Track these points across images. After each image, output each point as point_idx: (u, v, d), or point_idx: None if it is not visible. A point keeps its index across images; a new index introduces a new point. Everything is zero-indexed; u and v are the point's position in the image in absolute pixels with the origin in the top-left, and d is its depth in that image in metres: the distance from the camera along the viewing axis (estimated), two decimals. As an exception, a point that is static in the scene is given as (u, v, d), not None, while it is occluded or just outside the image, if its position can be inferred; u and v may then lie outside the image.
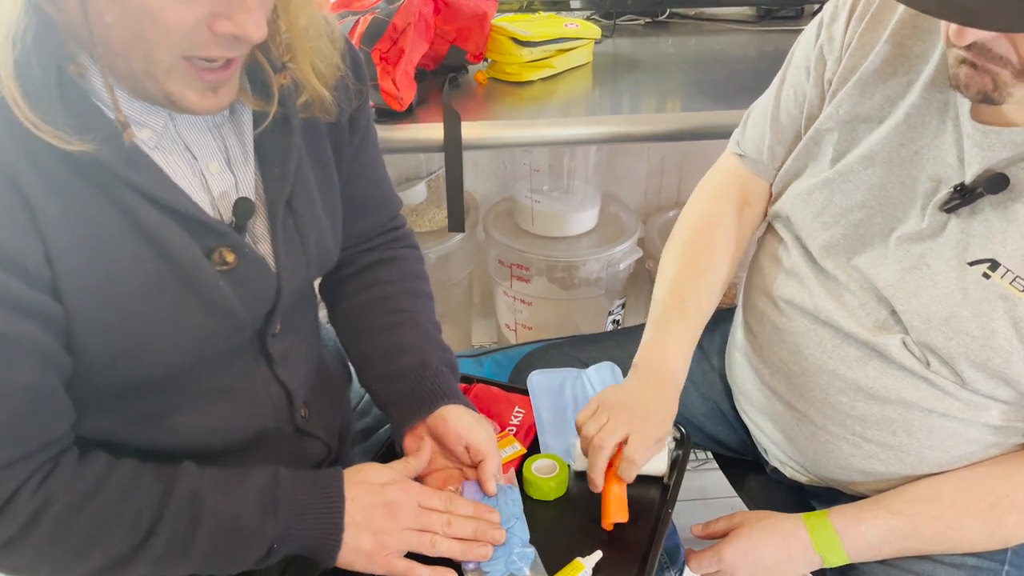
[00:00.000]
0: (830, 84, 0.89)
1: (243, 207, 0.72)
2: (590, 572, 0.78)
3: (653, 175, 1.85)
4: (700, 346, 1.11)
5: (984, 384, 0.78)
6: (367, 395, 1.07)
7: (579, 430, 0.87)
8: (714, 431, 1.12)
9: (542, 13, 1.42)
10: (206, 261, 0.68)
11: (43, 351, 0.62)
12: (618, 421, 0.84)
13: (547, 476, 0.88)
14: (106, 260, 0.63)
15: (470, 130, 1.15)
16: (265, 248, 0.76)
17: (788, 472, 1.01)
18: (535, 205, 1.58)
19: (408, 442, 0.86)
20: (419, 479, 0.83)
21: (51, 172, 0.60)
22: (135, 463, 0.70)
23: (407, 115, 1.16)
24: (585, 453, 0.85)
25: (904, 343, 0.82)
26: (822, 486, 0.99)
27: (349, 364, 1.01)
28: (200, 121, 0.71)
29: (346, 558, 0.73)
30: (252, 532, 0.70)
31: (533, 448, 0.94)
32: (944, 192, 0.78)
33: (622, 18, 1.65)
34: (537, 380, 1.02)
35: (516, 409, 0.98)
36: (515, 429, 0.94)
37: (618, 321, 1.73)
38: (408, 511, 0.75)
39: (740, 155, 1.02)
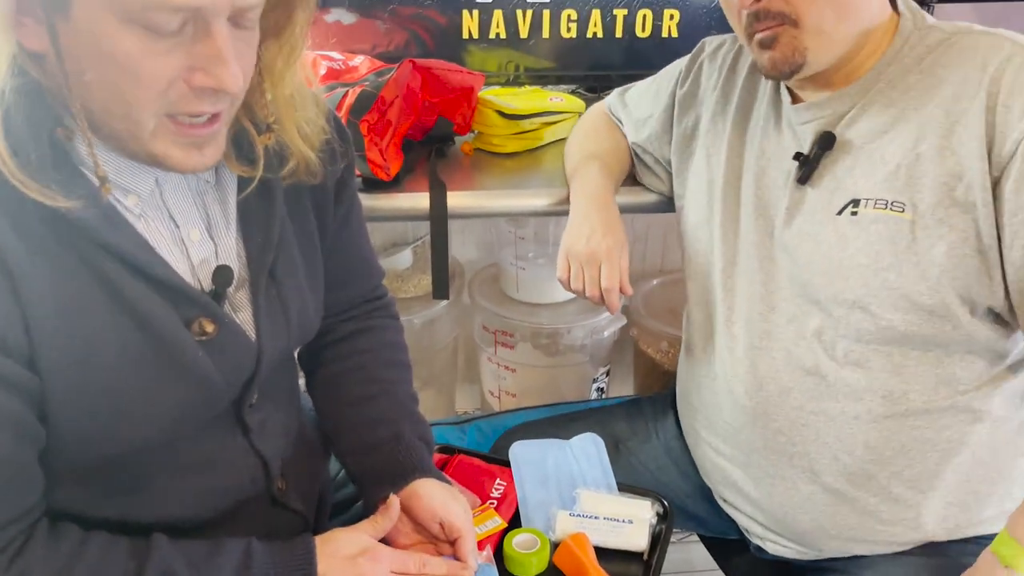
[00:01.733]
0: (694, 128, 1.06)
1: (223, 275, 0.72)
2: None
3: (637, 243, 1.87)
4: (678, 424, 1.11)
5: (893, 337, 0.84)
6: (347, 466, 1.06)
7: (567, 286, 1.01)
8: (696, 510, 1.11)
9: (528, 87, 1.46)
10: (185, 331, 0.68)
11: (19, 422, 0.61)
12: (595, 264, 0.99)
13: (528, 551, 0.86)
14: (85, 329, 0.63)
15: (456, 199, 1.16)
16: (246, 317, 0.75)
17: (770, 548, 1.00)
18: (520, 272, 1.59)
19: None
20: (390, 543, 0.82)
21: (33, 239, 0.60)
22: (107, 538, 0.68)
23: (394, 185, 1.17)
24: (598, 294, 0.99)
25: (833, 352, 0.88)
26: (807, 559, 0.98)
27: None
28: (184, 188, 0.71)
29: None
30: None
31: (514, 521, 0.92)
32: (792, 169, 0.90)
33: (606, 92, 1.69)
34: (520, 451, 1.01)
35: (497, 481, 0.97)
36: (496, 502, 0.93)
37: (603, 389, 1.72)
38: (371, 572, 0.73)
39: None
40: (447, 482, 0.85)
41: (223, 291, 0.72)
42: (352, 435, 0.88)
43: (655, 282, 1.79)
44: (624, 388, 1.86)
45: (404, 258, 1.64)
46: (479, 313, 1.66)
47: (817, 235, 0.87)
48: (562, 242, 1.03)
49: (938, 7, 1.50)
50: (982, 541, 0.87)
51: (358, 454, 0.87)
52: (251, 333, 0.75)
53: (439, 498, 0.82)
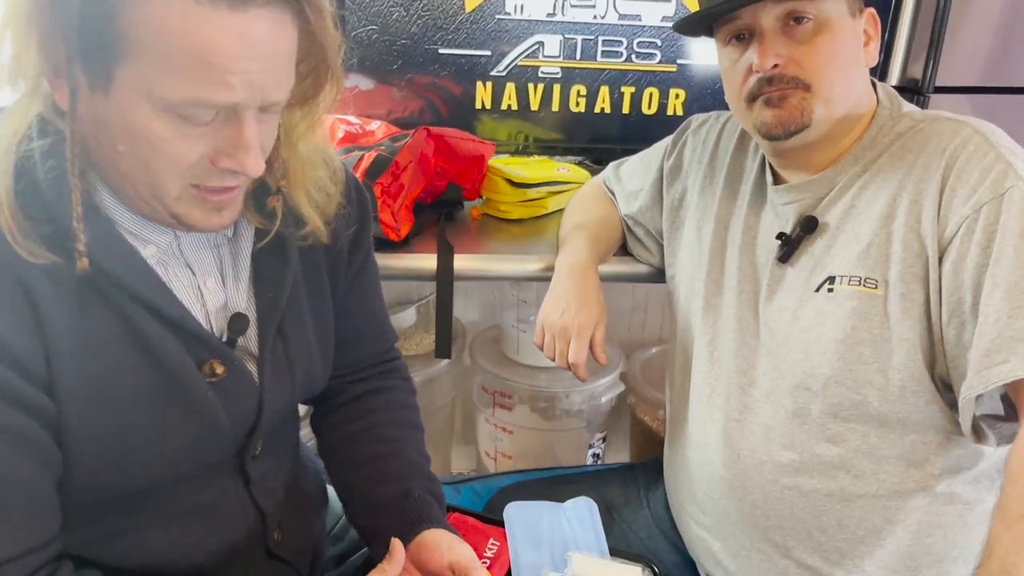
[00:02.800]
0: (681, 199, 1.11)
1: (238, 323, 0.75)
2: None
3: (637, 311, 1.90)
4: (665, 496, 1.13)
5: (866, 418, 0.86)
6: (343, 519, 1.07)
7: (543, 350, 1.05)
8: None
9: (536, 157, 1.51)
10: (197, 372, 0.71)
11: (43, 448, 0.64)
12: (566, 338, 1.02)
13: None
14: (101, 365, 0.65)
15: (462, 262, 1.20)
16: (252, 370, 0.77)
17: None
18: (521, 334, 1.62)
19: None
20: None
21: (60, 276, 0.63)
22: None
23: (403, 245, 1.21)
24: (565, 365, 1.02)
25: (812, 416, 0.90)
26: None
27: (327, 486, 1.01)
28: (202, 239, 0.74)
29: None
30: None
31: (506, 583, 0.93)
32: (774, 247, 0.94)
33: (612, 163, 1.74)
34: (514, 512, 1.02)
35: (491, 541, 0.98)
36: (489, 562, 0.94)
37: (599, 455, 1.73)
38: None
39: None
40: (455, 533, 0.85)
41: (236, 337, 0.75)
42: (362, 494, 0.88)
43: (653, 351, 1.81)
44: (620, 455, 1.86)
45: (408, 316, 1.67)
46: (479, 374, 1.68)
47: (796, 311, 0.91)
48: (540, 310, 1.06)
49: (933, 97, 1.56)
50: None
51: (368, 512, 0.86)
52: (257, 383, 0.77)
53: (446, 541, 0.81)
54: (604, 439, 1.73)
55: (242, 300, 0.77)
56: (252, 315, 0.78)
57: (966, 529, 0.89)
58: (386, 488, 0.86)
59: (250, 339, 0.78)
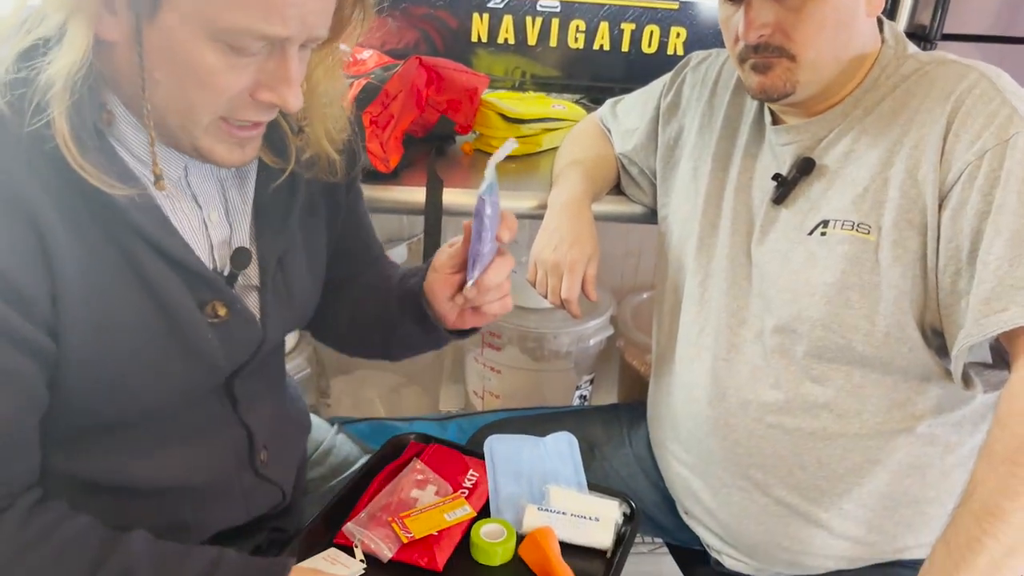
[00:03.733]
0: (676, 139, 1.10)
1: (241, 257, 0.75)
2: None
3: (630, 256, 1.89)
4: (647, 435, 1.14)
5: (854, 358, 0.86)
6: (323, 445, 1.08)
7: (535, 287, 1.04)
8: (663, 521, 1.13)
9: (531, 93, 1.48)
10: (199, 313, 0.71)
11: (32, 389, 0.64)
12: (558, 274, 1.01)
13: (494, 541, 0.88)
14: (107, 304, 0.65)
15: (452, 196, 1.18)
16: (252, 300, 0.78)
17: (727, 562, 1.02)
18: (512, 275, 1.60)
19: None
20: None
21: (70, 216, 0.63)
22: (85, 526, 0.68)
23: (392, 177, 1.19)
24: (557, 302, 1.02)
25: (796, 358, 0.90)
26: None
27: (309, 413, 1.02)
28: (208, 172, 0.74)
29: None
30: None
31: (484, 512, 0.94)
32: (770, 188, 0.93)
33: (610, 104, 1.71)
34: (494, 445, 1.02)
35: (470, 472, 0.98)
36: (467, 492, 0.94)
37: (585, 396, 1.74)
38: None
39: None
40: None
41: (238, 272, 0.75)
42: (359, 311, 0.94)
43: (645, 296, 1.81)
44: (607, 398, 1.87)
45: (399, 253, 1.66)
46: (469, 313, 1.67)
47: (787, 253, 0.90)
48: (533, 246, 1.05)
49: (941, 44, 1.53)
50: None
51: (406, 294, 0.90)
52: (257, 316, 0.78)
53: None
54: (591, 381, 1.74)
55: (245, 233, 0.77)
56: (254, 248, 0.78)
57: (945, 471, 0.89)
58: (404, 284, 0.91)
59: (251, 272, 0.78)
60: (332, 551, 0.88)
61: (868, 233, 0.84)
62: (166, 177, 0.69)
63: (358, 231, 0.95)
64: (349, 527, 0.88)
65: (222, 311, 0.72)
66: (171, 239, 0.68)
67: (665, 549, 1.23)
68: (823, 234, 0.87)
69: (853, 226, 0.85)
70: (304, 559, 0.86)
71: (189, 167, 0.72)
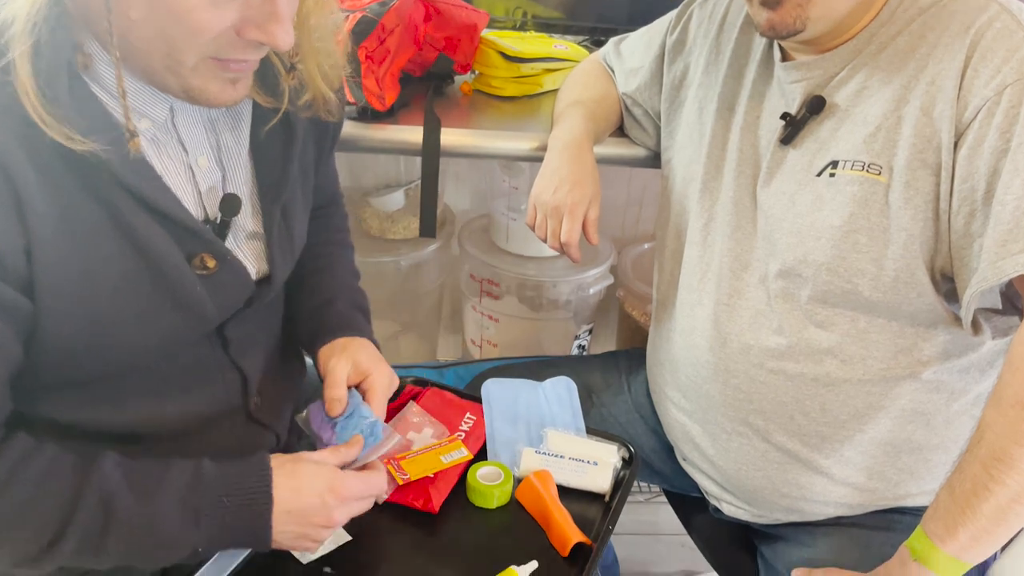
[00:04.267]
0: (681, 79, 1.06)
1: (230, 204, 0.72)
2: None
3: (632, 206, 1.86)
4: (646, 382, 1.12)
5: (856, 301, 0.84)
6: (318, 388, 1.06)
7: (534, 231, 1.01)
8: (662, 467, 1.12)
9: (533, 33, 1.44)
10: (187, 266, 0.68)
11: (2, 346, 0.61)
12: (558, 217, 0.98)
13: (491, 484, 0.87)
14: (86, 257, 0.62)
15: (450, 137, 1.15)
16: (257, 249, 0.76)
17: (726, 509, 1.02)
18: (511, 223, 1.58)
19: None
20: None
21: (45, 164, 0.59)
22: (54, 456, 0.66)
23: (388, 116, 1.16)
24: (557, 245, 0.99)
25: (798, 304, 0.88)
26: (761, 523, 0.99)
27: (305, 356, 1.00)
28: (196, 115, 0.71)
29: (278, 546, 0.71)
30: (171, 539, 0.67)
31: (481, 455, 0.93)
32: (778, 128, 0.89)
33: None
34: (492, 388, 1.01)
35: (467, 415, 0.97)
36: (464, 435, 0.93)
37: (584, 347, 1.72)
38: (337, 512, 0.72)
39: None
40: (376, 344, 0.89)
41: (229, 220, 0.72)
42: (294, 308, 0.92)
43: (646, 246, 1.78)
44: (606, 349, 1.86)
45: (396, 199, 1.63)
46: (467, 261, 1.65)
47: (793, 195, 0.87)
48: (532, 188, 1.02)
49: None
50: None
51: (301, 326, 0.91)
52: (256, 264, 0.75)
53: (335, 351, 0.84)
54: (590, 331, 1.72)
55: (241, 179, 0.74)
56: (253, 192, 0.75)
57: (949, 418, 0.88)
58: (313, 300, 0.90)
59: (255, 217, 0.75)
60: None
61: (879, 174, 0.81)
62: (151, 120, 0.66)
63: (327, 167, 0.94)
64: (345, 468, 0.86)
65: (211, 263, 0.69)
66: (155, 190, 0.65)
67: (662, 498, 1.23)
68: (832, 175, 0.85)
69: (864, 167, 0.82)
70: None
71: (176, 108, 0.68)
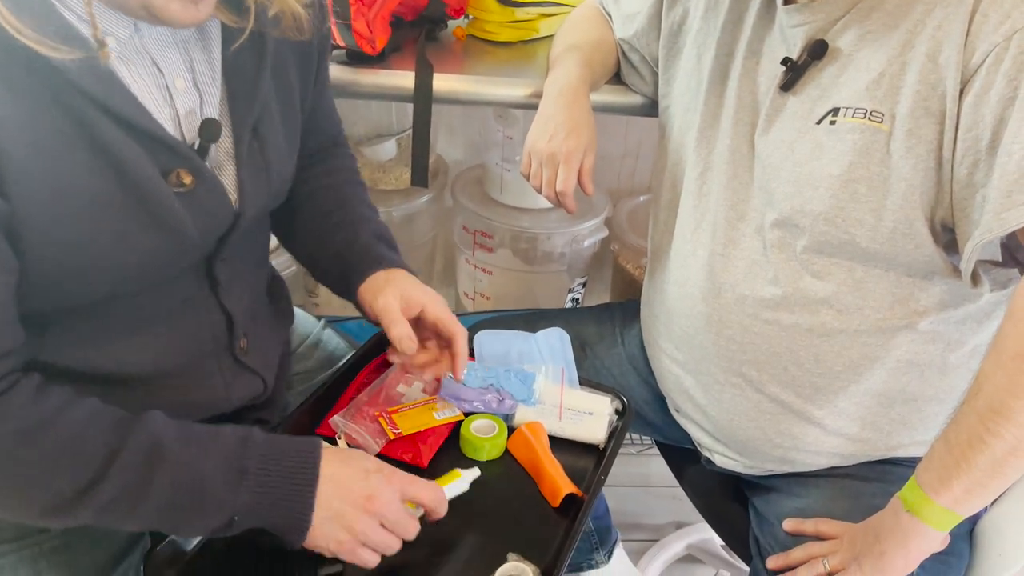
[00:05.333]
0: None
1: (209, 129, 0.69)
2: (467, 483, 0.79)
3: (628, 158, 1.83)
4: (640, 334, 1.11)
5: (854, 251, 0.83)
6: (309, 338, 1.05)
7: (528, 180, 0.99)
8: (654, 419, 1.12)
9: (529, -24, 1.39)
10: (162, 181, 0.66)
11: None
12: (553, 165, 0.96)
13: (486, 436, 0.86)
14: (57, 171, 0.60)
15: (443, 82, 1.12)
16: (229, 172, 0.73)
17: (718, 460, 1.02)
18: (505, 173, 1.56)
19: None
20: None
21: (9, 75, 0.57)
22: (97, 403, 0.65)
23: (378, 60, 1.13)
24: (552, 195, 0.97)
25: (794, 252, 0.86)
26: (753, 475, 0.99)
27: (292, 304, 0.99)
28: (166, 36, 0.68)
29: (314, 543, 0.69)
30: (212, 498, 0.65)
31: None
32: (778, 75, 0.87)
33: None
34: (484, 340, 1.00)
35: (460, 367, 0.96)
36: (456, 386, 0.92)
37: (577, 300, 1.71)
38: (387, 505, 0.70)
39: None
40: (411, 272, 0.88)
41: (208, 145, 0.70)
42: (319, 251, 0.90)
43: (641, 199, 1.76)
44: (599, 302, 1.85)
45: (388, 149, 1.60)
46: (460, 213, 1.63)
47: (792, 144, 0.85)
48: (527, 136, 1.00)
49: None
50: None
51: (328, 268, 0.89)
52: (232, 191, 0.73)
53: (375, 286, 0.84)
54: (584, 284, 1.71)
55: (215, 101, 0.72)
56: (226, 117, 0.72)
57: (945, 370, 0.87)
58: (336, 237, 0.88)
59: (224, 142, 0.73)
60: (317, 442, 0.87)
61: (881, 122, 0.79)
62: (116, 39, 0.63)
63: (319, 100, 0.89)
64: (335, 419, 0.86)
65: (187, 179, 0.67)
66: (125, 102, 0.62)
67: (653, 450, 1.23)
68: (832, 123, 0.82)
69: (865, 114, 0.80)
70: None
71: (141, 28, 0.65)
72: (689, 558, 1.60)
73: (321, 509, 0.67)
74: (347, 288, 0.87)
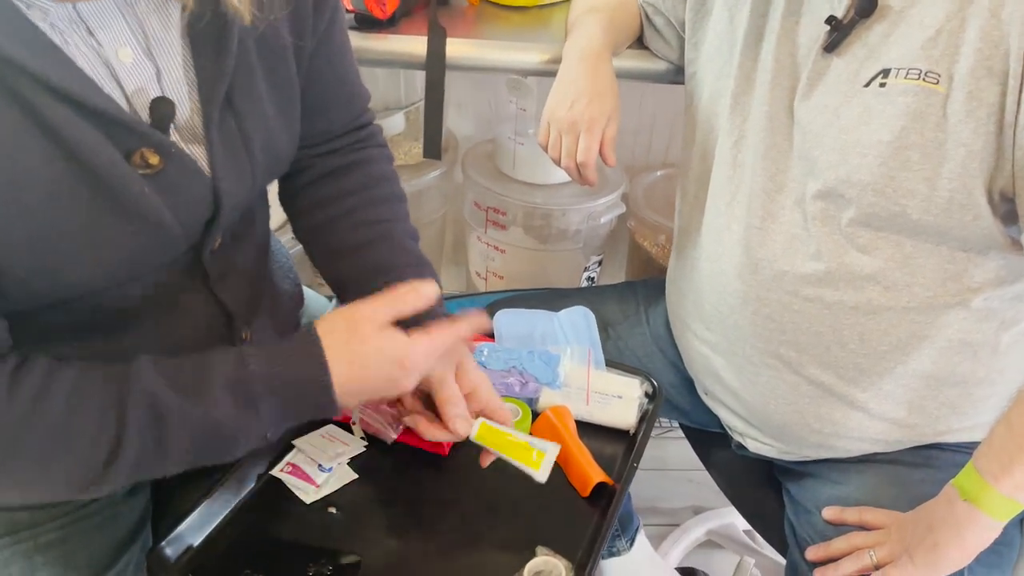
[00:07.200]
0: None
1: (161, 109, 0.60)
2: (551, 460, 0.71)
3: (643, 132, 1.77)
4: (666, 313, 1.06)
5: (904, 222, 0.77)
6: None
7: (547, 150, 0.94)
8: (680, 402, 1.07)
9: (545, -63, 1.33)
10: (125, 164, 0.57)
11: None
12: (574, 134, 0.91)
13: (507, 420, 0.81)
14: (10, 163, 0.53)
15: (456, 48, 1.06)
16: (199, 153, 0.64)
17: (751, 445, 0.96)
18: (518, 147, 1.49)
19: None
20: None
21: None
22: (78, 372, 0.59)
23: (389, 25, 1.07)
24: (573, 166, 0.93)
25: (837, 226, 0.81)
26: (788, 460, 0.94)
27: (302, 286, 0.93)
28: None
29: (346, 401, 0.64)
30: (235, 430, 0.61)
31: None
32: (821, 35, 0.80)
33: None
34: (504, 320, 0.95)
35: (479, 349, 0.91)
36: (476, 369, 0.87)
37: (593, 278, 1.66)
38: (408, 381, 0.65)
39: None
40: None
41: (164, 126, 0.61)
42: (353, 288, 0.79)
43: (659, 174, 1.70)
44: (615, 280, 1.80)
45: (396, 123, 1.54)
46: (471, 189, 1.57)
47: (837, 109, 0.79)
48: (546, 104, 0.94)
49: None
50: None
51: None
52: (207, 172, 0.65)
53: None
54: (600, 263, 1.65)
55: (177, 72, 0.62)
56: (193, 88, 0.63)
57: (997, 350, 0.82)
58: (376, 281, 0.76)
59: (193, 117, 0.64)
60: (330, 427, 0.82)
61: (937, 83, 0.73)
62: (40, 5, 0.54)
63: (333, 66, 0.78)
64: (349, 404, 0.81)
65: (153, 159, 0.59)
66: (65, 76, 0.53)
67: (671, 433, 1.19)
68: (882, 85, 0.76)
69: (920, 75, 0.74)
70: (299, 437, 0.80)
71: None
72: (710, 543, 1.55)
73: (345, 394, 0.63)
74: None
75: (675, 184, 1.57)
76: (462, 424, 0.70)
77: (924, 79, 0.74)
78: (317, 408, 0.64)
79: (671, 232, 1.56)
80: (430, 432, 0.72)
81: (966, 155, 0.72)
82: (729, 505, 1.13)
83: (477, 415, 0.72)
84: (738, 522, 1.52)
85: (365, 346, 0.64)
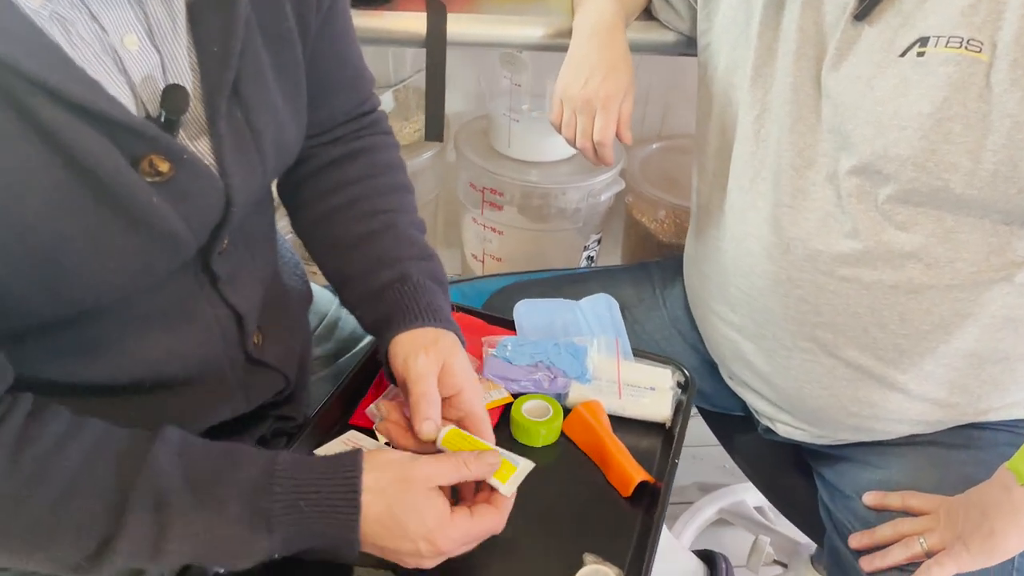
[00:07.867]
0: None
1: (174, 98, 0.55)
2: (524, 474, 0.65)
3: (638, 103, 1.71)
4: (683, 294, 1.02)
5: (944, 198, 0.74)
6: (327, 317, 0.94)
7: (559, 131, 0.91)
8: (703, 386, 1.03)
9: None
10: (132, 172, 0.52)
11: None
12: (589, 112, 0.88)
13: (540, 420, 0.77)
14: (7, 173, 0.48)
15: (454, 23, 1.01)
16: (205, 149, 0.60)
17: (780, 429, 0.93)
18: (513, 124, 1.44)
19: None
20: None
21: None
22: (93, 441, 0.55)
23: (384, 2, 1.01)
24: (589, 145, 0.89)
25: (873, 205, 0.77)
26: (819, 444, 0.92)
27: (310, 282, 0.88)
28: None
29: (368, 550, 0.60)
30: (241, 546, 0.56)
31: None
32: (849, 3, 0.76)
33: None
34: (524, 311, 0.90)
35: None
36: (499, 364, 0.83)
37: (592, 257, 1.62)
38: (431, 561, 0.60)
39: None
40: (458, 332, 0.72)
41: (176, 118, 0.56)
42: (357, 283, 0.75)
43: (654, 146, 1.66)
44: (611, 258, 1.76)
45: (384, 102, 1.47)
46: (466, 169, 1.52)
47: (871, 80, 0.75)
48: (557, 81, 0.90)
49: None
50: (1020, 425, 0.80)
51: (366, 303, 0.74)
52: (214, 168, 0.60)
53: (403, 352, 0.68)
54: (599, 241, 1.61)
55: (182, 61, 0.57)
56: (197, 78, 0.58)
57: None
58: (381, 274, 0.73)
59: (197, 110, 0.59)
60: (351, 433, 0.77)
61: (979, 51, 0.69)
62: None
63: (335, 49, 0.73)
64: (371, 409, 0.76)
65: (163, 167, 0.54)
66: (72, 82, 0.49)
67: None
68: (920, 54, 0.72)
69: (961, 43, 0.70)
70: (320, 445, 0.75)
71: None
72: (721, 522, 1.54)
73: (367, 547, 0.59)
74: (380, 326, 0.72)
75: (671, 157, 1.52)
76: (427, 426, 0.64)
77: (967, 47, 0.70)
78: (334, 555, 0.59)
79: (670, 207, 1.53)
80: (401, 442, 0.67)
81: (1012, 126, 0.69)
82: (737, 483, 1.10)
83: (458, 422, 0.67)
84: (749, 499, 1.51)
85: (405, 505, 0.58)
